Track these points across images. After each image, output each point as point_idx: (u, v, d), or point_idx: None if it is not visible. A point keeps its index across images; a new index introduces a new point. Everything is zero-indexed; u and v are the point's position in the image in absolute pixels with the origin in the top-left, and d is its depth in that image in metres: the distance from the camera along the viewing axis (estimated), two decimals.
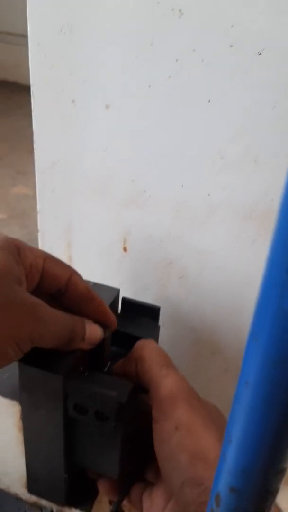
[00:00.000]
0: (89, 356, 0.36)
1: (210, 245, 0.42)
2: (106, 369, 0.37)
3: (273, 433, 0.16)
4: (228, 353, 0.46)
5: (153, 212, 0.42)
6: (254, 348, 0.15)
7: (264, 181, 0.37)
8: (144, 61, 0.37)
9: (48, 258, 0.33)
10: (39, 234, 0.48)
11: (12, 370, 0.38)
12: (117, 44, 0.37)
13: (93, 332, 0.33)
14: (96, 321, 0.34)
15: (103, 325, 0.35)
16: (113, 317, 0.36)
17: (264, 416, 0.15)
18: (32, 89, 0.41)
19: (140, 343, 0.34)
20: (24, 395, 0.34)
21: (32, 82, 0.41)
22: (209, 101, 0.36)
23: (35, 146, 0.43)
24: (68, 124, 0.41)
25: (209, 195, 0.40)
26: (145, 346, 0.34)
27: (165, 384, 0.31)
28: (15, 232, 1.13)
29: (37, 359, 0.32)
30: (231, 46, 0.34)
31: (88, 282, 0.42)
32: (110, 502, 0.45)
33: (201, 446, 0.29)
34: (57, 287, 0.33)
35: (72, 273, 0.33)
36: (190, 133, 0.38)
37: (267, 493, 0.17)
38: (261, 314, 0.14)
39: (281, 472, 0.17)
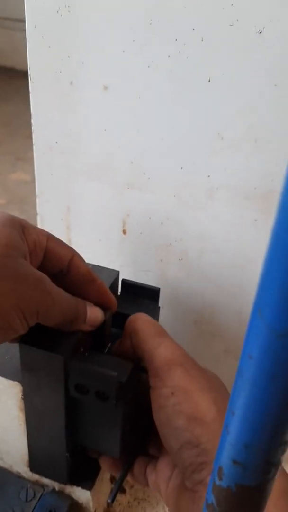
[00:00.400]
0: (90, 337, 0.36)
1: (211, 227, 0.42)
2: (106, 350, 0.37)
3: (276, 407, 0.16)
4: (228, 334, 0.46)
5: (153, 194, 0.42)
6: (258, 321, 0.15)
7: (265, 161, 0.37)
8: (142, 41, 0.36)
9: (51, 237, 0.33)
10: (38, 218, 0.47)
11: (13, 352, 0.38)
12: (115, 25, 0.36)
13: (94, 314, 0.34)
14: (97, 303, 0.35)
15: (104, 307, 0.35)
16: (113, 299, 0.36)
17: (267, 390, 0.15)
18: (29, 71, 0.40)
19: (131, 318, 0.35)
20: (25, 375, 0.34)
21: (30, 64, 0.40)
22: (209, 80, 0.36)
23: (33, 128, 0.43)
24: (66, 106, 0.41)
25: (209, 176, 0.39)
26: (137, 319, 0.34)
27: (159, 352, 0.31)
28: None
29: (39, 339, 0.32)
30: (231, 25, 0.33)
31: (87, 264, 0.42)
32: (112, 480, 0.46)
33: (198, 409, 0.29)
34: (59, 267, 0.33)
35: (74, 254, 0.33)
36: (190, 114, 0.37)
37: (270, 465, 0.17)
38: (266, 286, 0.14)
39: (284, 444, 0.17)
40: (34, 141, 0.43)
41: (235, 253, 0.42)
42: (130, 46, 0.36)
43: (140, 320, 0.34)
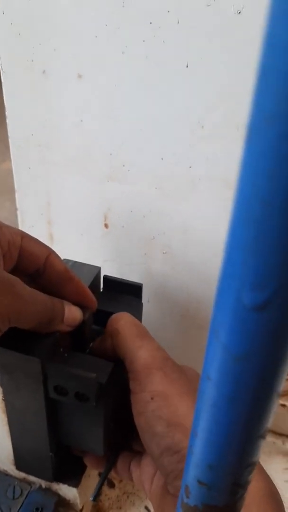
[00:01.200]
0: (70, 337, 0.35)
1: (194, 219, 0.40)
2: (88, 349, 0.37)
3: (238, 429, 0.15)
4: None
5: (133, 187, 0.40)
6: (215, 343, 0.14)
7: None
8: (115, 25, 0.34)
9: (26, 236, 0.32)
10: (18, 213, 0.46)
11: None
12: (86, 8, 0.34)
13: (72, 314, 0.33)
14: (76, 303, 0.34)
15: (83, 306, 0.34)
16: (92, 298, 0.35)
17: (227, 412, 0.14)
18: (0, 61, 0.38)
19: (113, 317, 0.34)
20: (4, 378, 0.33)
21: (0, 53, 0.38)
22: (187, 66, 0.34)
23: (7, 121, 0.41)
24: (40, 96, 0.39)
25: (190, 167, 0.38)
26: (119, 320, 0.33)
27: (139, 355, 0.31)
28: (6, 208, 1.11)
29: (15, 341, 0.31)
30: (208, 5, 0.31)
31: (68, 261, 0.40)
32: (99, 475, 0.46)
33: (177, 415, 0.28)
34: (35, 267, 0.32)
35: (50, 252, 0.32)
36: (168, 102, 0.36)
37: (237, 486, 0.16)
38: (220, 309, 0.13)
39: (250, 466, 0.16)
40: (9, 134, 0.42)
41: (220, 245, 0.40)
42: (102, 31, 0.34)
43: (122, 320, 0.33)
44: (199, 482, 0.17)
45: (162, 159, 0.38)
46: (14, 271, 0.32)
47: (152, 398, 0.29)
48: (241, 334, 0.13)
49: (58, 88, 0.38)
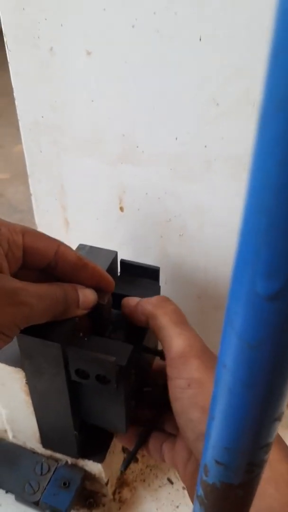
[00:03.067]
0: (89, 321, 0.36)
1: (210, 200, 0.40)
2: (107, 333, 0.37)
3: (253, 413, 0.15)
4: None
5: (148, 168, 0.40)
6: (230, 332, 0.14)
7: None
8: None
9: (27, 232, 0.31)
10: (32, 198, 0.46)
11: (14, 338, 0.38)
12: None
13: (87, 297, 0.33)
14: (94, 287, 0.34)
15: (101, 289, 0.35)
16: (110, 279, 0.35)
17: (243, 398, 0.15)
18: (5, 39, 0.38)
19: (154, 301, 0.34)
20: (26, 363, 0.34)
21: (5, 31, 0.37)
22: (200, 39, 0.33)
23: (16, 102, 0.40)
24: (48, 75, 0.38)
25: (205, 146, 0.37)
26: (158, 306, 0.33)
27: (177, 342, 0.31)
28: (20, 192, 1.11)
29: (35, 328, 0.32)
30: None
31: (84, 246, 0.41)
32: (124, 450, 0.48)
33: None
34: (45, 261, 0.32)
35: (59, 245, 0.32)
36: (181, 78, 0.35)
37: (253, 466, 0.17)
38: (235, 298, 0.13)
39: (265, 447, 0.16)
40: (19, 117, 0.41)
41: (235, 227, 0.40)
42: (111, 3, 0.33)
43: (163, 308, 0.33)
44: (217, 462, 0.17)
45: (176, 138, 0.38)
46: (23, 268, 0.32)
47: (188, 385, 0.29)
48: (255, 323, 0.13)
49: (66, 67, 0.37)
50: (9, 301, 0.27)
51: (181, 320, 0.33)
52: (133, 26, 0.34)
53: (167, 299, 0.34)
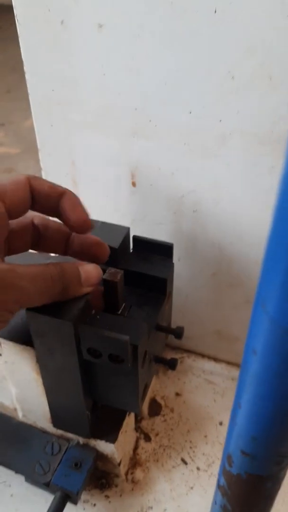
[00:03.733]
0: (102, 299, 0.35)
1: (225, 175, 0.38)
2: (120, 311, 0.36)
3: (284, 403, 0.14)
4: (248, 284, 0.44)
5: (161, 143, 0.38)
6: (262, 315, 0.13)
7: (281, 100, 0.32)
8: None
9: (32, 176, 0.30)
10: (43, 173, 0.45)
11: (23, 316, 0.37)
12: None
13: (89, 272, 0.31)
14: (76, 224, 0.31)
15: (97, 258, 0.34)
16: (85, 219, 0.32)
17: (274, 387, 0.14)
18: (15, 11, 0.36)
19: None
20: (37, 341, 0.34)
21: (15, 3, 0.35)
22: (215, 11, 0.31)
23: (26, 76, 0.39)
24: (60, 49, 0.36)
25: (220, 121, 0.35)
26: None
27: None
28: (31, 168, 1.09)
29: (46, 305, 0.31)
30: None
31: (96, 221, 0.39)
32: (137, 430, 0.48)
33: None
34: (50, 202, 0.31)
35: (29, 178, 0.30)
36: (196, 51, 0.33)
37: (281, 457, 0.16)
38: (268, 281, 0.12)
39: None
40: (29, 91, 0.40)
41: (251, 202, 0.39)
42: None
43: None
44: (243, 452, 0.16)
45: (190, 112, 0.36)
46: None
47: None
48: None
49: (77, 40, 0.36)
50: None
51: None
52: None
53: None
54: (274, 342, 0.13)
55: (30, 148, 1.01)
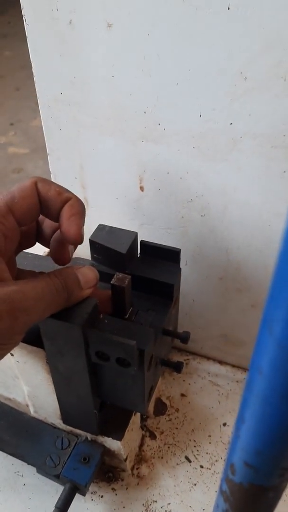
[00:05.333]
0: (110, 303, 0.35)
1: (234, 180, 0.38)
2: (127, 315, 0.37)
3: None
4: (255, 289, 0.45)
5: (170, 147, 0.38)
6: (268, 337, 0.13)
7: None
8: None
9: (39, 180, 0.30)
10: (52, 176, 0.45)
11: None
12: None
13: (86, 275, 0.32)
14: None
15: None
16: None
17: (279, 407, 0.14)
18: (23, 11, 0.36)
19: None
20: (47, 343, 0.34)
21: (23, 3, 0.35)
22: (228, 8, 0.31)
23: (35, 79, 0.39)
24: (68, 50, 0.37)
25: (231, 124, 0.35)
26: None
27: None
28: (40, 168, 1.10)
29: None
30: None
31: (105, 226, 0.40)
32: (142, 428, 0.49)
33: None
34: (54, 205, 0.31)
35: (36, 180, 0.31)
36: (207, 51, 0.33)
37: (284, 470, 0.16)
38: (275, 304, 0.12)
39: None
40: (37, 93, 0.40)
41: (261, 207, 0.39)
42: None
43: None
44: (246, 464, 0.17)
45: (200, 115, 0.36)
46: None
47: None
48: None
49: (86, 40, 0.36)
50: (4, 311, 0.26)
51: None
52: None
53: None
54: (280, 364, 0.13)
55: (39, 147, 1.01)
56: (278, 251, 0.12)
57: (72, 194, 0.31)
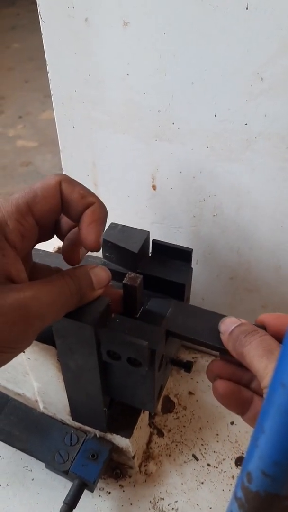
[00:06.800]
0: (121, 302, 0.36)
1: (248, 180, 0.38)
2: (138, 314, 0.37)
3: None
4: (265, 290, 0.45)
5: (184, 146, 0.38)
6: None
7: None
8: None
9: (64, 180, 0.29)
10: (64, 173, 0.45)
11: None
12: None
13: (98, 276, 0.32)
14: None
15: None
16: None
17: None
18: (39, 8, 0.35)
19: (239, 335, 0.30)
20: (58, 341, 0.35)
21: (39, 1, 0.35)
22: (247, 8, 0.30)
23: (49, 76, 0.39)
24: (83, 47, 0.36)
25: (246, 124, 0.35)
26: (244, 343, 0.29)
27: (267, 377, 0.28)
28: (48, 161, 1.10)
29: None
30: None
31: (116, 225, 0.40)
32: (150, 425, 0.49)
33: None
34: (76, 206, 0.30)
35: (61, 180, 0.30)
36: (223, 50, 0.32)
37: None
38: None
39: None
40: (52, 91, 0.40)
41: (274, 208, 0.38)
42: None
43: (248, 344, 0.29)
44: (263, 473, 0.17)
45: (215, 115, 0.35)
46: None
47: None
48: None
49: (102, 38, 0.35)
50: (20, 317, 0.26)
51: (268, 350, 0.29)
52: None
53: (256, 329, 0.30)
54: None
55: (47, 141, 1.01)
56: None
57: (96, 198, 0.30)
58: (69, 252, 0.33)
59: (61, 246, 0.35)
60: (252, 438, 0.17)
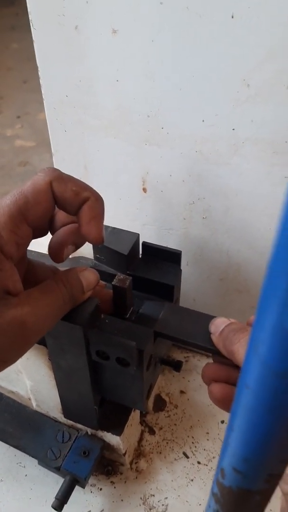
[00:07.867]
0: (111, 303, 0.36)
1: (236, 184, 0.39)
2: (127, 315, 0.38)
3: (276, 433, 0.15)
4: (255, 291, 0.45)
5: (173, 150, 0.39)
6: (254, 357, 0.14)
7: None
8: None
9: (54, 179, 0.28)
10: None
11: None
12: None
13: (88, 279, 0.32)
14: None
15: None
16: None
17: (265, 419, 0.15)
18: (30, 16, 0.36)
19: (230, 335, 0.30)
20: (50, 341, 0.35)
21: (30, 8, 0.36)
22: (232, 16, 0.31)
23: (41, 81, 0.39)
24: (73, 54, 0.37)
25: (233, 129, 0.36)
26: (233, 341, 0.29)
27: None
28: (45, 161, 1.10)
29: None
30: None
31: (107, 227, 0.41)
32: (142, 423, 0.50)
33: None
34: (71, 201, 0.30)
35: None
36: (210, 58, 0.33)
37: (271, 476, 0.17)
38: (261, 328, 0.13)
39: (285, 461, 0.17)
40: (43, 95, 0.40)
41: (262, 211, 0.39)
42: None
43: (237, 342, 0.29)
44: (234, 469, 0.18)
45: (203, 121, 0.36)
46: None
47: None
48: (282, 355, 0.13)
49: (91, 45, 0.36)
50: (18, 333, 0.26)
51: None
52: (161, 3, 0.32)
53: (245, 327, 0.30)
54: (266, 382, 0.14)
55: (45, 141, 1.01)
56: (264, 278, 0.13)
57: (90, 191, 0.29)
58: (56, 250, 0.33)
59: None
60: (224, 436, 0.18)
